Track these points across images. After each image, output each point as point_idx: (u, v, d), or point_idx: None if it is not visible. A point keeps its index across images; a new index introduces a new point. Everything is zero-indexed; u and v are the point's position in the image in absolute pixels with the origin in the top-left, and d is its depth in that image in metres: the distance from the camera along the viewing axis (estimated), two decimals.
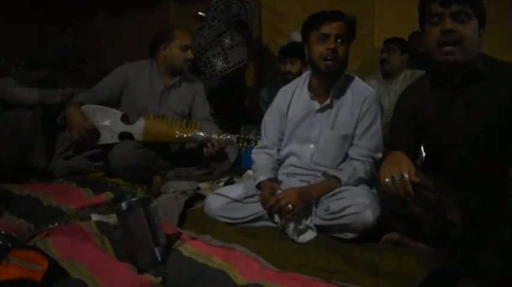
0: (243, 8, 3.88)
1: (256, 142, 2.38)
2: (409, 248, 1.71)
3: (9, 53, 4.13)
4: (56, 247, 1.64)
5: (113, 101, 2.74)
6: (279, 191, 1.87)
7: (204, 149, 2.49)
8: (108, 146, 2.58)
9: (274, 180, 2.02)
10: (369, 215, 1.72)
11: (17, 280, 1.42)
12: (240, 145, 2.48)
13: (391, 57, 3.28)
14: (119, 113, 2.63)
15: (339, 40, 1.89)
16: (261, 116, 3.59)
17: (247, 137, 2.48)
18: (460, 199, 1.60)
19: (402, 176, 1.47)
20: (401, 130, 1.79)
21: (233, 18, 3.82)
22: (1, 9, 4.49)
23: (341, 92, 1.99)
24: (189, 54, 2.79)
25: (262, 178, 1.99)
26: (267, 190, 1.92)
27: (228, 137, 2.48)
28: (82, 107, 2.58)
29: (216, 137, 2.47)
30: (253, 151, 2.20)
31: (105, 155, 2.63)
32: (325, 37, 1.89)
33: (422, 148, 1.85)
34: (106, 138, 2.60)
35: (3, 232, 1.65)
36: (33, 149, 2.91)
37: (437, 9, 1.54)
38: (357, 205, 1.74)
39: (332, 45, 1.87)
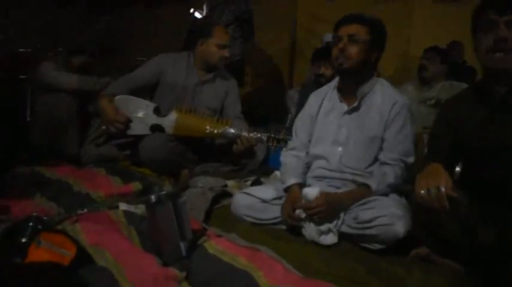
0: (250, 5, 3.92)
1: (286, 142, 2.37)
2: (438, 265, 1.66)
3: (48, 39, 4.24)
4: (84, 233, 1.66)
5: (146, 91, 2.77)
6: (300, 212, 1.85)
7: (234, 145, 2.49)
8: (139, 137, 2.60)
9: (303, 184, 2.00)
10: (400, 227, 1.69)
11: (44, 262, 1.44)
12: (270, 144, 2.47)
13: (431, 64, 3.23)
14: (151, 105, 2.65)
15: (352, 41, 1.90)
16: (288, 116, 3.63)
17: (277, 136, 2.46)
18: (497, 216, 1.55)
19: (439, 189, 1.43)
20: (440, 142, 1.74)
21: (242, 14, 3.82)
22: None
23: (370, 95, 1.98)
24: (225, 53, 2.80)
25: (291, 181, 1.98)
26: (291, 203, 1.89)
27: (259, 135, 2.47)
28: (115, 98, 2.61)
29: (247, 135, 2.47)
30: (282, 152, 2.19)
31: (135, 146, 2.66)
32: (339, 39, 1.93)
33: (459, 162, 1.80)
34: (137, 129, 2.62)
35: (34, 214, 1.68)
36: (67, 134, 2.95)
37: (492, 16, 1.51)
38: (387, 216, 1.71)
39: (341, 46, 1.90)
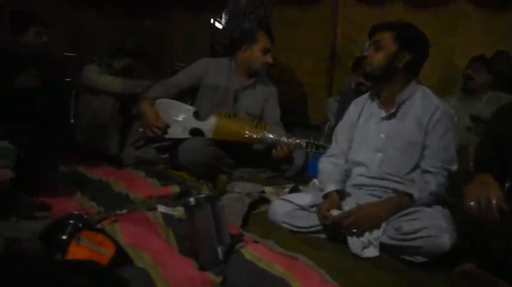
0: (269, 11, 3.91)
1: (325, 148, 2.34)
2: (484, 283, 1.58)
3: (95, 44, 4.36)
4: (122, 233, 1.66)
5: (187, 95, 2.80)
6: (334, 211, 1.83)
7: (273, 151, 2.48)
8: (178, 141, 2.62)
9: (342, 192, 1.96)
10: (446, 240, 1.63)
11: (85, 260, 1.45)
12: (309, 150, 2.45)
13: (477, 74, 3.12)
14: (191, 109, 2.68)
15: (377, 47, 1.93)
16: (326, 124, 3.58)
17: (316, 142, 2.43)
18: None
19: (489, 201, 1.37)
20: (489, 154, 1.68)
21: (262, 20, 3.81)
22: (89, 2, 4.74)
23: (409, 101, 1.96)
24: (269, 59, 2.80)
25: (330, 188, 1.94)
26: (326, 206, 1.87)
27: (298, 141, 2.46)
28: (156, 102, 2.64)
29: (286, 140, 2.46)
30: (321, 159, 2.16)
31: (173, 149, 2.68)
32: (369, 47, 1.99)
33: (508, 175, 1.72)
34: (177, 133, 2.65)
35: (75, 213, 1.70)
36: (108, 136, 3.01)
37: None
38: (432, 227, 1.65)
39: (366, 53, 1.98)
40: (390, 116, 1.97)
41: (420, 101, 1.94)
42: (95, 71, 3.06)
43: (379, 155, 1.96)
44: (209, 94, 2.78)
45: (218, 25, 4.18)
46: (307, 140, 2.45)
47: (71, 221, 1.64)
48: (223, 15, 4.03)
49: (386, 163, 1.94)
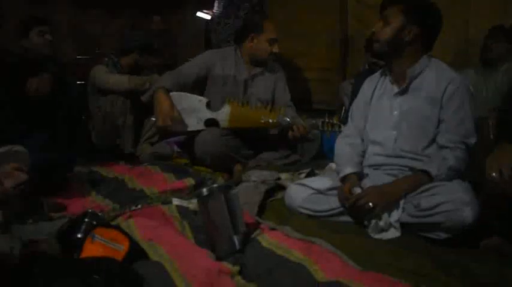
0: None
1: (340, 126, 2.32)
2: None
3: (105, 44, 4.38)
4: (138, 229, 1.66)
5: (197, 87, 2.76)
6: (357, 189, 1.79)
7: (290, 132, 2.47)
8: (193, 133, 2.60)
9: (359, 174, 1.91)
10: (467, 213, 1.56)
11: (100, 257, 1.44)
12: (325, 129, 2.42)
13: (496, 44, 3.04)
14: (204, 100, 2.66)
15: (385, 23, 1.88)
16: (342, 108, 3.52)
17: (331, 121, 2.40)
18: None
19: None
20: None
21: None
22: (99, 3, 4.76)
23: (422, 75, 1.89)
24: (275, 48, 2.77)
25: (347, 171, 1.89)
26: (348, 185, 1.83)
27: (313, 121, 2.45)
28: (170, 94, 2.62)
29: (301, 121, 2.45)
30: (337, 140, 2.11)
31: (188, 143, 2.67)
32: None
33: None
34: (192, 125, 2.63)
35: (89, 210, 1.70)
36: (122, 134, 3.02)
37: None
38: (453, 201, 1.59)
39: (374, 29, 1.92)
40: (402, 92, 1.92)
41: (434, 74, 1.87)
42: (102, 71, 3.06)
43: (394, 132, 1.91)
44: (218, 85, 2.75)
45: (204, 15, 4.18)
46: (322, 120, 2.42)
47: (86, 219, 1.63)
48: (216, 3, 4.01)
49: (401, 140, 1.89)
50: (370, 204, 1.72)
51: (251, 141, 2.74)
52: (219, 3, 4.04)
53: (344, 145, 2.03)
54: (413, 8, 1.86)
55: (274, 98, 2.86)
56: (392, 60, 1.94)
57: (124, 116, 3.03)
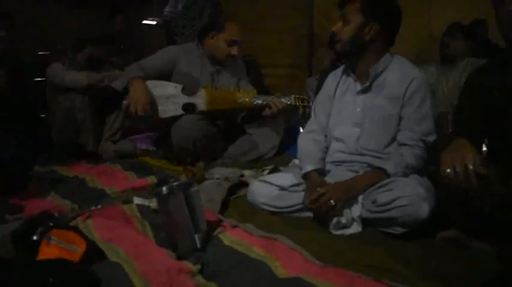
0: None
1: (308, 101, 2.54)
2: (468, 247, 1.55)
3: (66, 41, 4.28)
4: (96, 229, 1.63)
5: (162, 79, 2.72)
6: (318, 189, 1.78)
7: (266, 110, 2.58)
8: (171, 119, 2.60)
9: (321, 170, 1.92)
10: (422, 208, 1.58)
11: (55, 259, 1.41)
12: (297, 103, 2.56)
13: (452, 40, 3.11)
14: (179, 86, 2.66)
15: (344, 22, 1.86)
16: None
17: (302, 96, 2.58)
18: None
19: (466, 166, 1.32)
20: (466, 116, 1.63)
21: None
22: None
23: (385, 73, 1.89)
24: (234, 51, 2.75)
25: (309, 168, 1.90)
26: (310, 185, 1.83)
27: (287, 98, 2.58)
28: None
29: (276, 99, 2.56)
30: (300, 135, 2.12)
31: (164, 137, 2.67)
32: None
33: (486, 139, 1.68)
34: (170, 111, 2.61)
35: (45, 212, 1.66)
36: (83, 132, 2.96)
37: None
38: (407, 196, 1.60)
39: (334, 29, 1.90)
40: (365, 90, 1.91)
41: (396, 72, 1.87)
42: (58, 69, 2.99)
43: (357, 130, 1.91)
44: (187, 78, 2.73)
45: (150, 22, 4.23)
46: (294, 96, 2.57)
47: (42, 221, 1.59)
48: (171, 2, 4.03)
49: (364, 137, 1.89)
50: (332, 201, 1.71)
51: (226, 125, 2.79)
52: (176, 2, 4.02)
53: (307, 141, 2.03)
54: (372, 5, 1.84)
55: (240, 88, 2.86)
56: (355, 58, 1.92)
57: (83, 113, 2.95)
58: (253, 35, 4.95)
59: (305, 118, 2.50)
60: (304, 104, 2.53)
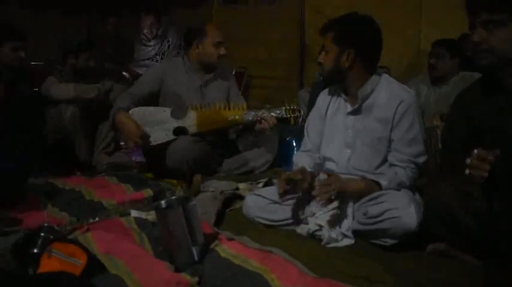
0: None
1: (300, 111, 2.50)
2: (456, 259, 1.62)
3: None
4: (95, 242, 1.65)
5: (152, 100, 2.75)
6: (322, 175, 1.84)
7: (257, 125, 2.55)
8: (164, 145, 2.58)
9: (313, 174, 1.93)
10: (411, 220, 1.64)
11: (56, 272, 1.43)
12: (288, 115, 2.52)
13: (440, 62, 3.03)
14: (168, 110, 2.65)
15: (325, 52, 1.93)
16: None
17: (292, 107, 2.52)
18: None
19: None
20: (455, 134, 1.70)
21: None
22: (52, 6, 4.66)
23: (373, 95, 1.91)
24: (223, 51, 2.77)
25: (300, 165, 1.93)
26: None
27: (278, 111, 2.53)
28: (130, 112, 2.59)
29: (267, 114, 2.52)
30: (295, 155, 2.16)
31: (154, 155, 2.65)
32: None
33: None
34: (161, 137, 2.60)
35: (46, 225, 1.67)
36: (76, 143, 2.97)
37: (470, 17, 1.49)
38: (397, 208, 1.67)
39: (318, 59, 1.98)
40: (355, 111, 1.94)
41: (384, 94, 1.89)
42: (53, 82, 3.02)
43: (348, 151, 1.95)
44: (174, 96, 2.75)
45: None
46: (284, 107, 2.53)
47: (42, 234, 1.61)
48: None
49: (355, 158, 1.93)
50: (332, 196, 1.77)
51: (221, 143, 2.78)
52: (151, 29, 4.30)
53: (303, 156, 2.05)
54: (342, 34, 1.87)
55: (229, 102, 2.84)
56: (342, 83, 1.96)
57: (74, 125, 2.96)
58: (245, 47, 5.04)
59: (298, 128, 2.55)
60: (296, 115, 2.51)
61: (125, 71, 4.32)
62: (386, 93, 1.89)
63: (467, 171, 1.39)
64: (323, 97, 2.10)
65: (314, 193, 1.80)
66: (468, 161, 1.39)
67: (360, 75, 1.91)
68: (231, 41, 3.30)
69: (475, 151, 1.38)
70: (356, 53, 1.86)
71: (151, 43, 4.44)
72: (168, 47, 4.39)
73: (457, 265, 1.58)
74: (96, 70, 3.33)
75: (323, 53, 1.95)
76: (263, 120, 2.52)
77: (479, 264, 1.57)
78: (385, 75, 1.96)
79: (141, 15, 4.54)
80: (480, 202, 1.49)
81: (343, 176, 1.88)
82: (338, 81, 1.97)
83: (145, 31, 4.40)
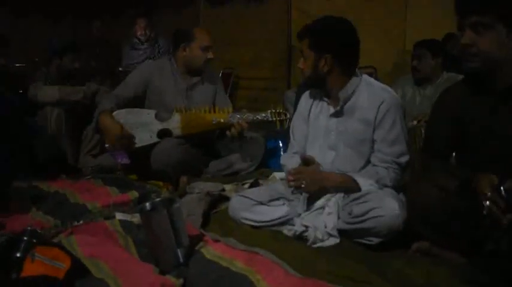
0: None
1: (285, 114, 2.48)
2: (440, 258, 1.63)
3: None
4: (79, 245, 1.64)
5: (138, 101, 2.73)
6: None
7: (227, 132, 2.52)
8: (148, 147, 2.57)
9: None
10: (395, 219, 1.66)
11: (39, 276, 1.42)
12: (273, 118, 2.50)
13: (422, 64, 3.04)
14: (152, 112, 2.64)
15: (304, 57, 1.94)
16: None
17: (277, 110, 2.51)
18: None
19: None
20: (438, 133, 1.71)
21: None
22: (37, 9, 4.63)
23: (354, 96, 1.92)
24: (210, 55, 2.76)
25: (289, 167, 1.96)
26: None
27: (263, 114, 2.51)
28: (114, 113, 2.57)
29: (252, 117, 2.50)
30: (283, 156, 2.17)
31: (139, 157, 2.62)
32: None
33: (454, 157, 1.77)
34: (145, 139, 2.59)
35: (29, 228, 1.65)
36: (62, 146, 2.95)
37: (459, 19, 1.49)
38: (381, 207, 1.68)
39: (299, 65, 1.98)
40: (337, 113, 1.95)
41: (365, 95, 1.90)
42: (39, 86, 3.00)
43: (332, 152, 1.96)
44: (159, 98, 2.73)
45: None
46: (270, 110, 2.51)
47: (25, 238, 1.59)
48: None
49: (339, 160, 1.94)
50: (302, 185, 1.81)
51: (206, 145, 2.77)
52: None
53: (291, 157, 2.07)
54: (317, 39, 1.88)
55: (215, 105, 2.80)
56: (323, 86, 1.96)
57: (60, 128, 2.94)
58: (233, 48, 5.05)
59: (284, 130, 2.54)
60: (281, 118, 2.49)
61: (112, 76, 4.31)
62: (367, 94, 1.90)
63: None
64: (305, 100, 2.11)
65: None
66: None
67: (339, 78, 1.92)
68: (217, 42, 3.28)
69: None
70: (333, 58, 1.87)
71: (143, 46, 4.42)
72: (159, 51, 4.37)
73: (441, 263, 1.59)
74: (82, 72, 3.30)
75: (301, 59, 1.95)
76: (232, 127, 2.49)
77: (464, 262, 1.58)
78: (365, 76, 1.97)
79: (134, 18, 4.51)
80: (461, 201, 1.51)
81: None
82: (319, 86, 1.97)
83: (138, 33, 4.37)
